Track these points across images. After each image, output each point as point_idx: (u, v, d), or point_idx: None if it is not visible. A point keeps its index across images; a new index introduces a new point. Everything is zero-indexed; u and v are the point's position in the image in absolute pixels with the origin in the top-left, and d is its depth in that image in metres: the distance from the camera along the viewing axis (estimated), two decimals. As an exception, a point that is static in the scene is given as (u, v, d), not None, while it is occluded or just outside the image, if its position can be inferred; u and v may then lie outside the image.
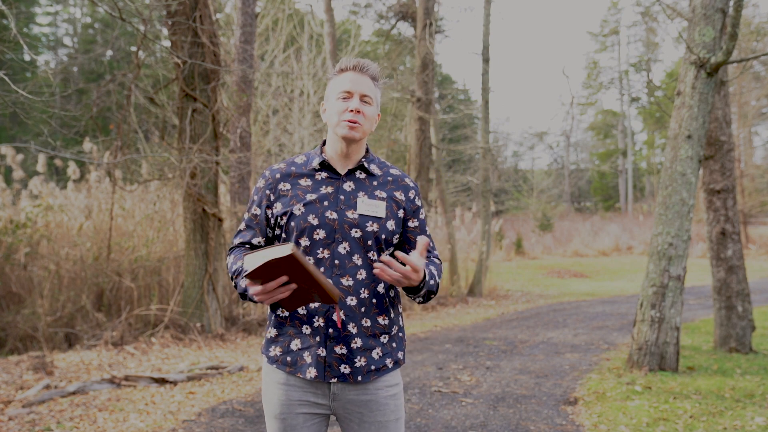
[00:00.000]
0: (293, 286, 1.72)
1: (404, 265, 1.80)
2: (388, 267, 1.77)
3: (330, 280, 1.82)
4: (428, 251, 2.03)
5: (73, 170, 9.24)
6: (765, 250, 22.57)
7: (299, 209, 1.91)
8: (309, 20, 17.16)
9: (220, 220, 7.46)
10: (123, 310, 7.29)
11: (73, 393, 5.01)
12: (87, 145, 9.65)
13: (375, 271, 1.76)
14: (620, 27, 45.38)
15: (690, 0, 6.03)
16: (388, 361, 1.96)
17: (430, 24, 11.62)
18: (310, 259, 1.89)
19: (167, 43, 9.17)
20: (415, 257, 1.81)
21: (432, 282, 1.91)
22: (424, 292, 1.89)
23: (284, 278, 1.70)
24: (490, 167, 13.10)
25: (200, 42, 7.17)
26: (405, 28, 17.98)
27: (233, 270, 1.93)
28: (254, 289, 1.73)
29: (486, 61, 12.73)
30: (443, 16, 26.04)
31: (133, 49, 14.65)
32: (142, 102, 10.68)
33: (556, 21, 77.36)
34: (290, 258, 1.63)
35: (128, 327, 7.08)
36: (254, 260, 1.67)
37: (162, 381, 5.42)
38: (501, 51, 62.52)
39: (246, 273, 1.67)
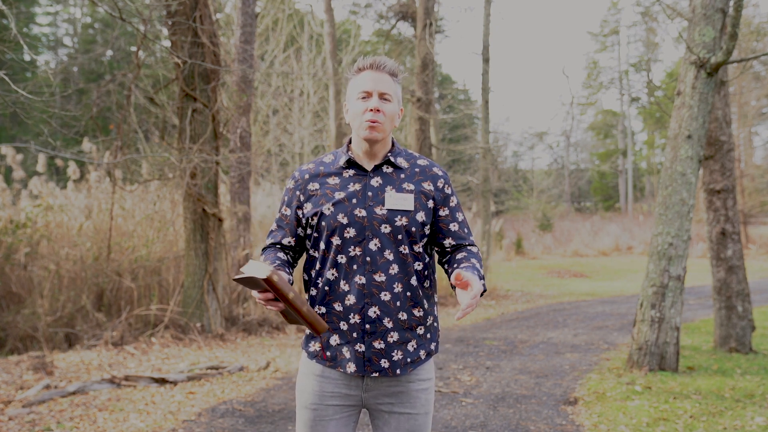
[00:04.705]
0: (281, 305, 1.76)
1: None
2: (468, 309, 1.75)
3: (315, 312, 1.81)
4: (462, 239, 2.03)
5: (73, 170, 9.24)
6: (765, 250, 22.57)
7: (329, 209, 1.93)
8: (309, 20, 17.16)
9: (220, 220, 7.46)
10: (123, 310, 7.29)
11: (73, 393, 5.01)
12: (87, 145, 9.65)
13: (459, 317, 1.75)
14: (620, 27, 45.35)
15: (690, 0, 6.03)
16: (422, 353, 1.98)
17: (430, 24, 11.62)
18: (343, 257, 1.92)
19: (167, 43, 9.16)
20: (467, 295, 1.77)
21: (483, 280, 1.91)
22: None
23: (270, 295, 1.74)
24: (490, 167, 13.10)
25: (200, 42, 7.17)
26: (405, 28, 17.99)
27: None
28: (254, 293, 1.78)
29: (486, 61, 12.73)
30: (443, 16, 26.06)
31: (133, 49, 14.65)
32: (142, 102, 10.68)
33: (556, 21, 77.37)
34: (267, 281, 1.68)
35: (128, 327, 7.08)
36: (249, 268, 1.73)
37: (162, 381, 5.42)
38: (501, 51, 62.50)
39: (234, 277, 1.74)
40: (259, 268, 1.69)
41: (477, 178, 14.96)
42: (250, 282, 1.72)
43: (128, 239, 7.95)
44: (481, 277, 1.88)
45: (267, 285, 1.69)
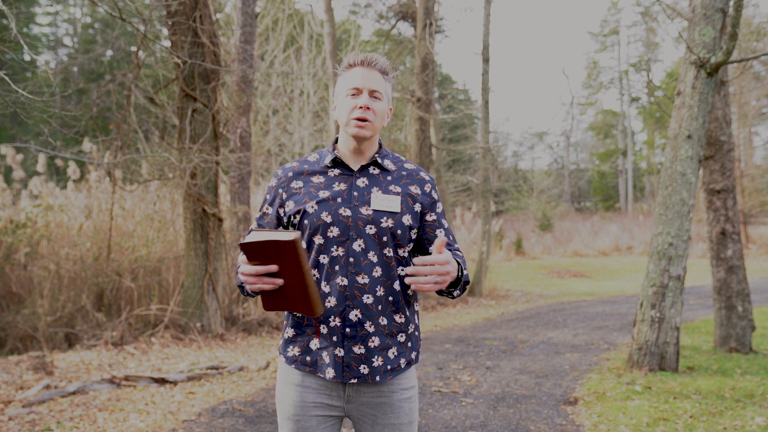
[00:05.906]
0: (279, 281, 1.68)
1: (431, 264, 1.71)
2: (419, 275, 1.67)
3: (318, 293, 1.73)
4: (449, 245, 1.96)
5: (73, 170, 9.24)
6: (765, 250, 22.57)
7: (312, 207, 1.88)
8: (309, 20, 17.16)
9: (220, 220, 7.46)
10: (123, 310, 7.29)
11: (73, 393, 5.01)
12: (87, 145, 9.66)
13: (409, 281, 1.68)
14: (620, 27, 45.38)
15: (690, 0, 6.03)
16: (402, 361, 1.92)
17: (430, 24, 11.62)
18: (325, 257, 1.86)
19: (167, 43, 9.16)
20: (435, 255, 1.69)
21: (465, 271, 1.86)
22: (462, 283, 1.85)
23: (275, 267, 1.66)
24: (490, 167, 13.10)
25: (200, 42, 7.17)
26: (405, 28, 17.99)
27: (238, 265, 1.93)
28: (245, 268, 1.69)
29: (486, 61, 12.72)
30: (443, 16, 26.04)
31: (133, 49, 14.64)
32: (142, 102, 10.69)
33: (556, 21, 77.39)
34: (291, 245, 1.59)
35: (128, 327, 7.08)
36: (258, 236, 1.65)
37: (162, 381, 5.42)
38: (501, 51, 62.58)
39: (242, 242, 1.64)
40: (278, 234, 1.62)
41: (477, 178, 14.96)
42: (259, 249, 1.63)
43: (128, 239, 7.95)
44: (463, 268, 1.85)
45: (284, 252, 1.60)
